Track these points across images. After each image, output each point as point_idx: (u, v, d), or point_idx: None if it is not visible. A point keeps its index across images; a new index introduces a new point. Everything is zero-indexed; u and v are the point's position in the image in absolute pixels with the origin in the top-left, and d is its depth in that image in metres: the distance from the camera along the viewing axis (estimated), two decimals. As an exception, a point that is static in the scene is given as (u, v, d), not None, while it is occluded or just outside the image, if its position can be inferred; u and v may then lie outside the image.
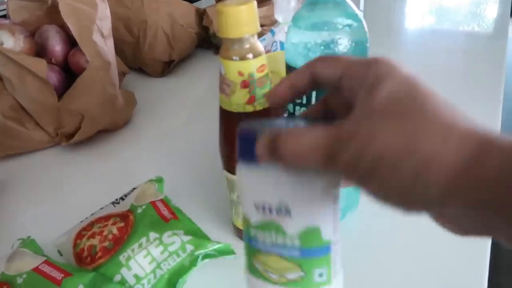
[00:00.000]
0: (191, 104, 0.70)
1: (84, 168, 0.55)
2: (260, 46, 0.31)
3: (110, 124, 0.58)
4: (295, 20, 0.32)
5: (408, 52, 0.89)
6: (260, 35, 0.67)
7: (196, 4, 0.95)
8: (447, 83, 0.69)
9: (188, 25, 0.81)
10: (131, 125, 0.64)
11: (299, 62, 0.31)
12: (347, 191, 0.40)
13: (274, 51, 0.49)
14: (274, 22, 0.77)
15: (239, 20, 0.29)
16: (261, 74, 0.31)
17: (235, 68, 0.30)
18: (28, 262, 0.36)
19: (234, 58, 0.30)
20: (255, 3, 0.29)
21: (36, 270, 0.35)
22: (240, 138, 0.23)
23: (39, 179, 0.53)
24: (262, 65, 0.31)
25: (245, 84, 0.30)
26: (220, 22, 0.29)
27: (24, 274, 0.34)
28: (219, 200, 0.46)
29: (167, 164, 0.54)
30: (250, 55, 0.30)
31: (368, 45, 0.32)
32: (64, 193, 0.51)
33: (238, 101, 0.31)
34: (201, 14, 0.84)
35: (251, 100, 0.31)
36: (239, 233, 0.39)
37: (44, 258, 0.36)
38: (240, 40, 0.30)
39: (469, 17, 1.05)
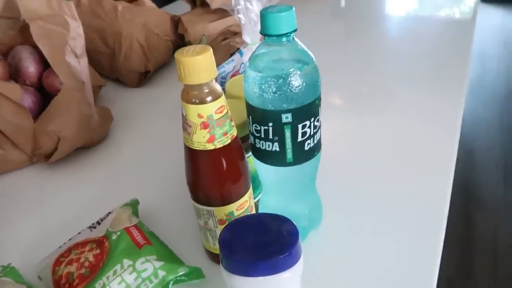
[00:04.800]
0: (168, 115, 0.71)
1: (62, 186, 0.56)
2: (218, 88, 0.33)
3: (87, 142, 0.59)
4: (251, 61, 0.33)
5: (390, 38, 0.94)
6: (228, 49, 0.68)
7: (169, 9, 0.96)
8: (427, 67, 0.75)
9: (163, 33, 0.82)
10: (108, 140, 0.65)
11: (255, 101, 0.33)
12: (310, 209, 0.42)
13: (242, 72, 0.51)
14: (236, 33, 0.79)
15: (197, 68, 0.31)
16: (220, 115, 0.33)
17: (195, 111, 0.32)
18: (10, 291, 0.38)
19: (193, 100, 0.32)
20: (211, 50, 0.31)
21: (17, 300, 0.37)
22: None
23: (17, 199, 0.55)
24: (221, 106, 0.33)
25: (205, 125, 0.32)
26: (178, 70, 0.31)
27: (5, 304, 0.37)
28: (195, 221, 0.48)
29: (144, 181, 0.56)
30: (209, 98, 0.32)
31: (319, 83, 0.34)
32: (43, 213, 0.52)
33: (199, 140, 0.33)
34: (176, 22, 0.85)
35: (211, 139, 0.33)
36: (211, 256, 0.41)
37: (25, 287, 0.38)
38: (199, 86, 0.32)
39: (450, 2, 1.10)
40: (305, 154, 0.35)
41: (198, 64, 0.30)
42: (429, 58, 0.81)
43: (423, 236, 0.43)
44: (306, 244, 0.41)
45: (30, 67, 0.58)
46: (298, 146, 0.35)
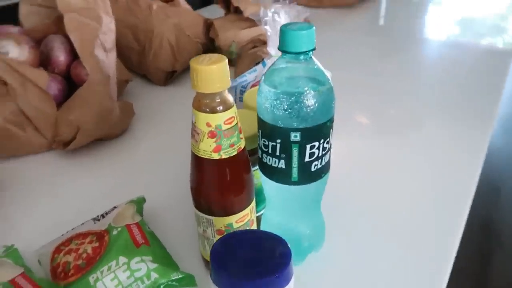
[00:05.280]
0: (189, 116, 0.71)
1: (76, 175, 0.58)
2: (230, 99, 0.33)
3: (105, 135, 0.60)
4: (266, 75, 0.33)
5: (425, 63, 0.92)
6: (255, 57, 0.68)
7: (204, 12, 0.97)
8: (459, 96, 0.74)
9: (194, 35, 0.83)
10: (128, 134, 0.66)
11: (266, 116, 0.33)
12: (311, 230, 0.41)
13: (262, 83, 0.50)
14: (265, 43, 0.79)
15: (211, 77, 0.31)
16: (229, 126, 0.32)
17: (204, 119, 0.32)
18: (7, 273, 0.38)
19: (204, 109, 0.32)
20: (226, 61, 0.31)
21: (12, 282, 0.37)
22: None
23: (33, 182, 0.56)
24: (231, 118, 0.32)
25: (213, 135, 0.32)
26: (192, 77, 0.31)
27: (3, 284, 0.37)
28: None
29: (155, 180, 0.56)
30: (220, 108, 0.32)
31: (333, 105, 0.33)
32: (54, 199, 0.54)
33: (205, 148, 0.33)
34: (208, 25, 0.86)
35: (217, 149, 0.33)
36: (207, 264, 0.41)
37: (22, 270, 0.39)
38: (211, 95, 0.31)
39: (493, 31, 1.07)
40: (311, 175, 0.35)
41: (212, 74, 0.30)
42: (462, 87, 0.79)
43: (430, 270, 0.41)
44: (305, 267, 0.41)
45: (61, 56, 0.60)
46: (304, 166, 0.34)
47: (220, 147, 0.33)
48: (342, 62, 0.89)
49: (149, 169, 0.59)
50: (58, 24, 0.62)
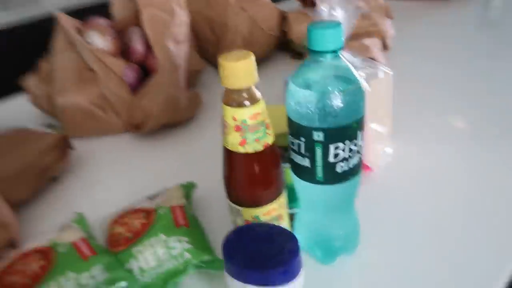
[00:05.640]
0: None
1: (146, 156, 0.64)
2: (257, 95, 0.33)
3: (172, 121, 0.65)
4: (295, 75, 0.33)
5: None
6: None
7: (284, 5, 0.97)
8: None
9: (268, 28, 0.84)
10: (195, 122, 0.71)
11: (292, 114, 0.33)
12: (343, 231, 0.40)
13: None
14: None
15: (237, 74, 0.32)
16: (254, 121, 0.33)
17: (230, 113, 0.33)
18: (72, 235, 0.45)
19: (231, 103, 0.33)
20: (253, 57, 0.32)
21: (74, 244, 0.43)
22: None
23: (109, 159, 0.64)
24: (257, 113, 0.33)
25: (238, 128, 0.33)
26: (220, 73, 0.32)
27: (66, 244, 0.43)
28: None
29: (213, 169, 0.58)
30: (246, 103, 0.33)
31: (362, 106, 0.32)
32: (126, 174, 0.60)
33: (232, 141, 0.34)
34: (284, 18, 0.86)
35: (242, 143, 0.34)
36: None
37: (84, 235, 0.45)
38: (237, 90, 0.33)
39: None
40: (337, 176, 0.34)
41: (237, 70, 0.31)
42: None
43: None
44: (335, 268, 0.40)
45: (138, 47, 0.66)
46: (329, 166, 0.34)
47: (245, 141, 0.34)
48: (441, 60, 0.83)
49: (209, 158, 0.61)
50: (138, 16, 0.68)
